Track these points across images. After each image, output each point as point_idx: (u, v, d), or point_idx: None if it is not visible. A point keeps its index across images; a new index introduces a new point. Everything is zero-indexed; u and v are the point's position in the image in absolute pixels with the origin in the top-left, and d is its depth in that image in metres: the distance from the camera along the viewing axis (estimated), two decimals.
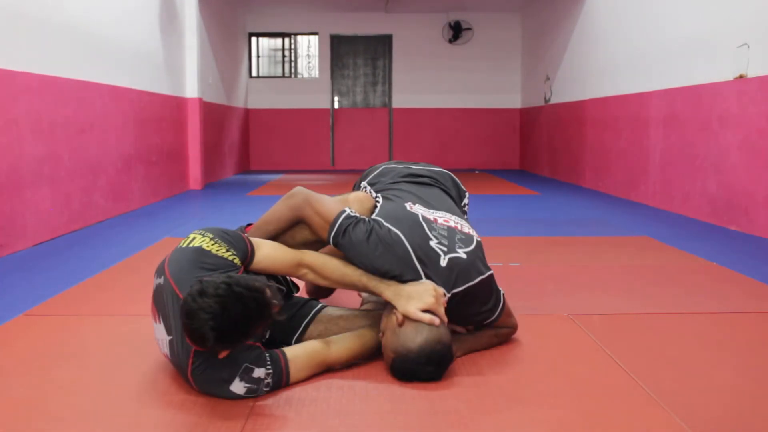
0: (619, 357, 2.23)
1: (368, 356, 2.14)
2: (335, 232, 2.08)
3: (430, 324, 1.96)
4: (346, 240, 2.07)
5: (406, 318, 1.98)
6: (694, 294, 3.08)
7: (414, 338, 1.95)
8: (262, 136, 11.42)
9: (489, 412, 1.83)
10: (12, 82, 4.06)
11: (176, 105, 7.44)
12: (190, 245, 1.97)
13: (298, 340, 2.18)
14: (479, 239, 2.24)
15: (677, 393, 1.95)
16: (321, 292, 2.67)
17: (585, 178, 8.32)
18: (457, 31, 11.44)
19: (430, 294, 1.99)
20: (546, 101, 9.96)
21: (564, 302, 2.90)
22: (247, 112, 11.38)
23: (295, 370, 1.95)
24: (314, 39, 11.68)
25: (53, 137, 4.57)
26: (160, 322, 1.95)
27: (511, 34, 11.54)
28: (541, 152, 10.36)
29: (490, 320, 2.23)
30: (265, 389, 1.88)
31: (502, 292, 2.24)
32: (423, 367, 1.96)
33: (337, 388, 1.97)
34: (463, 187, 2.60)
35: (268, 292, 1.74)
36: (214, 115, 8.85)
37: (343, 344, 2.07)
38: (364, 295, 2.59)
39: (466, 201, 2.55)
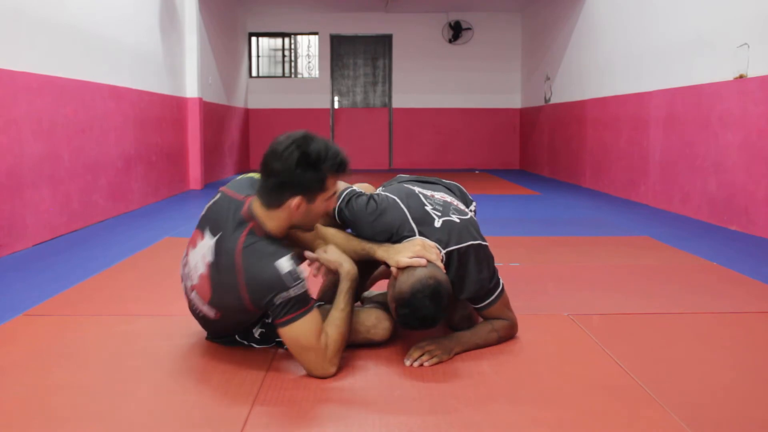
0: (619, 357, 2.23)
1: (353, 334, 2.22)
2: (339, 203, 2.28)
3: (419, 265, 2.07)
4: (348, 209, 2.26)
5: (399, 269, 2.11)
6: (694, 294, 3.08)
7: (407, 280, 2.06)
8: (262, 136, 11.41)
9: (489, 412, 1.83)
10: (12, 82, 4.06)
11: (176, 105, 7.44)
12: (245, 176, 2.23)
13: None
14: (474, 218, 2.39)
15: (677, 393, 1.95)
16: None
17: (585, 178, 8.32)
18: (457, 31, 11.43)
19: (416, 244, 2.14)
20: (546, 101, 9.96)
21: (564, 302, 2.90)
22: (247, 112, 11.38)
23: (315, 315, 2.01)
24: (314, 39, 11.67)
25: (53, 137, 4.57)
26: (204, 236, 2.10)
27: (511, 34, 11.54)
28: (541, 152, 10.36)
29: (488, 301, 2.28)
30: (300, 287, 1.95)
31: (501, 280, 2.33)
32: (421, 303, 2.02)
33: (337, 389, 1.97)
34: (470, 197, 2.68)
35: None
36: (214, 115, 8.84)
37: (331, 328, 2.09)
38: (365, 294, 2.68)
39: (472, 208, 2.60)
